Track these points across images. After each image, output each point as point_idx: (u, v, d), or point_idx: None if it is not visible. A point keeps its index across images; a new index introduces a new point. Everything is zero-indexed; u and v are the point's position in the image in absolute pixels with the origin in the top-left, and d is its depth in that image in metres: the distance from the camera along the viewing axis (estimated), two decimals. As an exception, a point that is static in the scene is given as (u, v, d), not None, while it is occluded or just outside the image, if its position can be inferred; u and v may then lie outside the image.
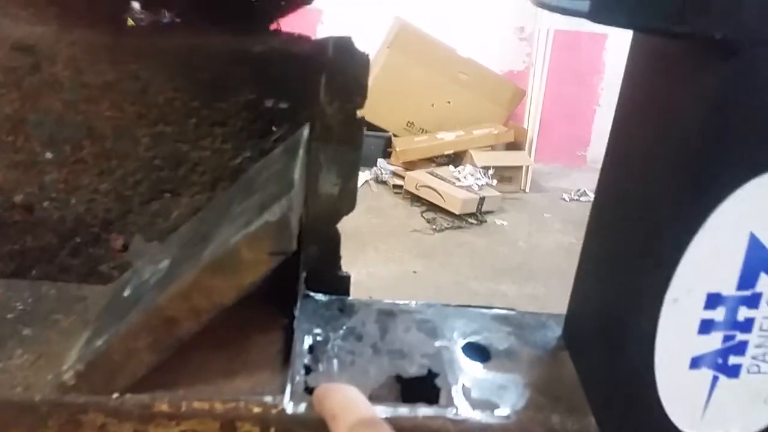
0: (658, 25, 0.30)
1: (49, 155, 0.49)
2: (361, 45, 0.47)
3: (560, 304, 0.51)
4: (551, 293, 2.44)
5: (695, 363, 0.36)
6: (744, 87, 0.31)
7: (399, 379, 0.46)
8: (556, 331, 0.51)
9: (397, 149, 3.53)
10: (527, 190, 3.60)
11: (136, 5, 0.50)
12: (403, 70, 3.53)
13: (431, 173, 3.36)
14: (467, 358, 0.48)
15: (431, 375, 0.46)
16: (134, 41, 0.48)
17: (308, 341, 0.48)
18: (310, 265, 0.54)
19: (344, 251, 0.54)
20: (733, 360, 0.36)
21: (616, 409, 0.40)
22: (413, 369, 0.46)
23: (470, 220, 3.17)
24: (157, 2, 0.50)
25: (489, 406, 0.43)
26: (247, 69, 0.49)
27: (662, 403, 0.37)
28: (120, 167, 0.50)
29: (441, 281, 2.60)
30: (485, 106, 3.70)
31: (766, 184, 0.32)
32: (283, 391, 0.42)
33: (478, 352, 0.49)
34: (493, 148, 3.62)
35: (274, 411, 0.41)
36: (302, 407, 0.42)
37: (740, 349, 0.36)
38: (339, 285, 0.55)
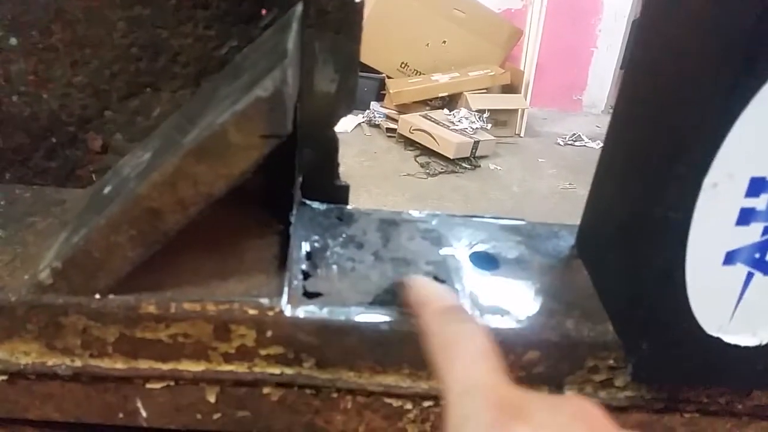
0: None
1: (14, 41, 0.44)
2: None
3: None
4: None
5: (730, 258, 0.33)
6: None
7: (402, 285, 0.43)
8: (568, 241, 0.48)
9: (391, 91, 3.44)
10: (522, 134, 3.54)
11: None
12: (397, 7, 3.40)
13: (425, 116, 3.28)
14: (475, 267, 0.45)
15: (437, 281, 0.43)
16: None
17: (305, 247, 0.45)
18: (305, 171, 0.50)
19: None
20: (770, 255, 0.33)
21: (638, 314, 0.37)
22: (418, 276, 0.43)
23: (464, 164, 3.12)
24: None
25: (499, 311, 0.41)
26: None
27: (690, 303, 0.35)
28: (94, 57, 0.45)
29: (434, 224, 2.58)
30: (482, 46, 3.59)
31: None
32: (280, 294, 0.39)
33: (487, 260, 0.46)
34: (488, 90, 3.54)
35: (270, 313, 0.38)
36: (301, 311, 0.39)
37: (779, 243, 0.33)
38: (337, 194, 0.52)
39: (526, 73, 3.63)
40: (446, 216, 0.50)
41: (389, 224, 0.49)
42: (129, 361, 0.40)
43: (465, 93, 3.44)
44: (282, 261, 0.43)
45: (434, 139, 3.13)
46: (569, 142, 3.49)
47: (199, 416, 0.42)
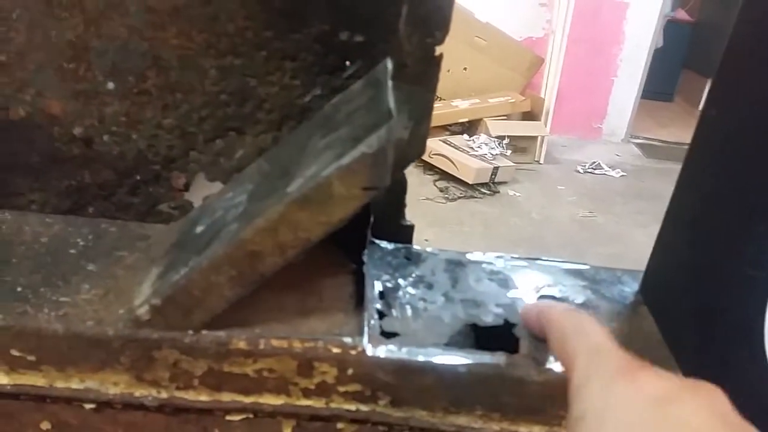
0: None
1: (111, 85, 0.47)
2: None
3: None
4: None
5: (808, 315, 0.35)
6: None
7: (474, 327, 0.45)
8: (632, 286, 0.49)
9: (412, 116, 3.48)
10: (542, 161, 3.56)
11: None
12: (421, 34, 3.45)
13: (445, 141, 3.31)
14: (542, 310, 0.46)
15: (508, 325, 0.44)
16: (204, -36, 0.46)
17: (378, 287, 0.47)
18: (376, 212, 0.52)
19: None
20: None
21: (708, 364, 0.39)
22: (489, 318, 0.45)
23: (483, 190, 3.14)
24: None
25: (571, 356, 0.42)
26: (323, -2, 0.46)
27: (767, 357, 0.36)
28: (185, 101, 0.47)
29: (453, 250, 2.59)
30: (502, 74, 3.63)
31: None
32: (360, 333, 0.41)
33: (553, 304, 0.47)
34: (508, 117, 3.57)
35: (353, 352, 0.40)
36: (382, 350, 0.40)
37: None
38: (403, 234, 0.54)
39: (546, 101, 3.66)
40: (510, 258, 0.52)
41: (456, 265, 0.51)
42: (213, 394, 0.42)
43: (485, 119, 3.47)
44: (357, 299, 0.45)
45: (454, 164, 3.16)
46: (589, 170, 3.50)
47: (274, 449, 0.43)
